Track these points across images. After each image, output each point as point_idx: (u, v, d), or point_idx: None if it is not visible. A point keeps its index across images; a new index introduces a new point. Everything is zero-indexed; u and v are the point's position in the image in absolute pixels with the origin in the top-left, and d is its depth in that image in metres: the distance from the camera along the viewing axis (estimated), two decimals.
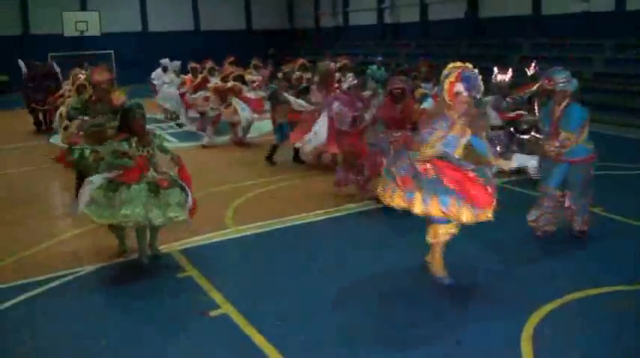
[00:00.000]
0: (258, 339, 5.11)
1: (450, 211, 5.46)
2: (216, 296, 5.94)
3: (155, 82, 18.04)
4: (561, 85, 6.77)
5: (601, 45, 18.93)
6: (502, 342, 4.99)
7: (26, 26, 28.97)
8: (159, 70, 18.12)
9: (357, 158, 8.85)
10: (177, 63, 18.41)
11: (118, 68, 26.67)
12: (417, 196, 5.53)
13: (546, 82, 6.98)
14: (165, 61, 18.14)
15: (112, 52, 27.21)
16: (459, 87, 5.49)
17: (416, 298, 5.84)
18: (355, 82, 10.94)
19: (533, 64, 10.14)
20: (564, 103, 6.81)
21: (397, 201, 5.71)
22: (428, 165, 5.51)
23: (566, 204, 7.08)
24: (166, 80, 17.54)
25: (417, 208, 5.55)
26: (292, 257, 7.04)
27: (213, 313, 5.62)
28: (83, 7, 29.92)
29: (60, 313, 5.83)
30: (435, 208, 5.49)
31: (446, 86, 5.55)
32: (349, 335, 5.23)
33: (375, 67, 17.75)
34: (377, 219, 8.11)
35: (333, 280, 6.33)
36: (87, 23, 27.83)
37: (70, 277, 6.56)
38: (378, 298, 5.93)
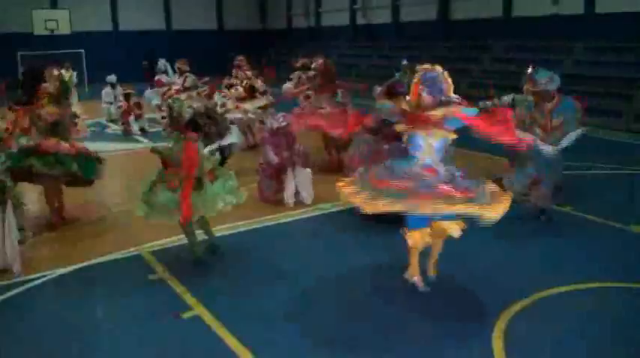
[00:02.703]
0: (231, 341, 5.09)
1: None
2: (188, 298, 5.90)
3: (104, 103, 17.61)
4: (543, 85, 7.29)
5: (571, 47, 19.20)
6: (473, 340, 5.04)
7: None
8: (107, 88, 17.57)
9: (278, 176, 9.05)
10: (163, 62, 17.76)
11: (89, 68, 26.42)
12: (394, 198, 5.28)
13: (529, 83, 7.50)
14: (162, 62, 17.66)
15: (82, 51, 26.86)
16: (420, 89, 5.56)
17: (388, 299, 5.86)
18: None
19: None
20: (555, 100, 7.38)
21: (377, 206, 5.35)
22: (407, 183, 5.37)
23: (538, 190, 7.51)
24: (113, 94, 17.24)
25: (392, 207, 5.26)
26: (264, 258, 7.02)
27: (185, 315, 5.58)
28: (53, 5, 29.52)
29: (31, 316, 5.74)
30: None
31: (412, 87, 5.63)
32: (322, 335, 5.24)
33: (400, 73, 17.04)
34: (351, 219, 8.11)
35: (307, 281, 6.34)
36: (57, 22, 27.46)
37: (43, 279, 6.47)
38: (351, 299, 5.94)
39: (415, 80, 5.62)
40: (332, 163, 10.97)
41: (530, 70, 9.78)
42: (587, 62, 18.35)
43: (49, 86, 8.24)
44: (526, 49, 19.73)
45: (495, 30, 21.99)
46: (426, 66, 5.68)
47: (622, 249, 7.03)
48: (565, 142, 7.34)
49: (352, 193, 5.53)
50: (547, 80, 7.30)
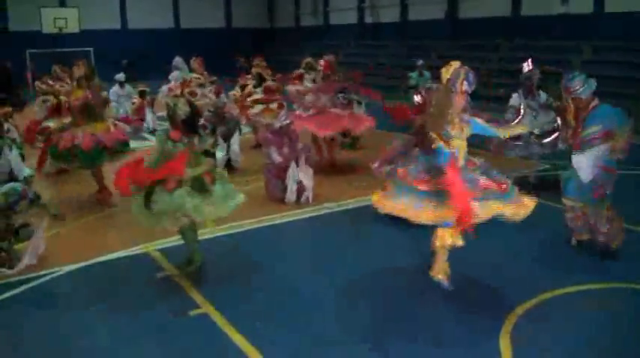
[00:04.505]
0: (238, 339, 5.11)
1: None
2: (196, 296, 5.93)
3: (112, 101, 17.43)
4: (578, 91, 7.01)
5: (579, 47, 19.12)
6: (481, 339, 5.06)
7: (5, 23, 28.61)
8: (115, 87, 17.26)
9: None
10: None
11: (98, 66, 26.44)
12: (426, 204, 5.41)
13: (565, 91, 7.13)
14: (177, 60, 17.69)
15: (91, 49, 26.92)
16: (466, 85, 5.59)
17: (394, 299, 5.87)
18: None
19: (528, 62, 9.93)
20: (592, 105, 7.04)
21: (390, 207, 5.61)
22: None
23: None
24: (121, 93, 17.14)
25: (425, 217, 5.43)
26: (270, 256, 7.03)
27: (192, 313, 5.61)
28: (62, 4, 29.63)
29: (38, 314, 5.77)
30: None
31: (458, 85, 5.62)
32: (327, 334, 5.25)
33: (415, 73, 16.31)
34: (357, 218, 8.13)
35: (312, 279, 6.36)
36: (66, 20, 27.51)
37: (48, 277, 6.51)
38: (357, 297, 5.95)
39: (463, 77, 5.61)
40: (323, 162, 10.77)
41: (528, 66, 9.62)
42: (596, 62, 18.27)
43: (75, 72, 8.44)
44: (534, 49, 19.66)
45: (503, 29, 21.92)
46: (457, 63, 5.69)
47: (630, 249, 6.99)
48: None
49: (389, 204, 5.65)
50: (579, 84, 7.00)
